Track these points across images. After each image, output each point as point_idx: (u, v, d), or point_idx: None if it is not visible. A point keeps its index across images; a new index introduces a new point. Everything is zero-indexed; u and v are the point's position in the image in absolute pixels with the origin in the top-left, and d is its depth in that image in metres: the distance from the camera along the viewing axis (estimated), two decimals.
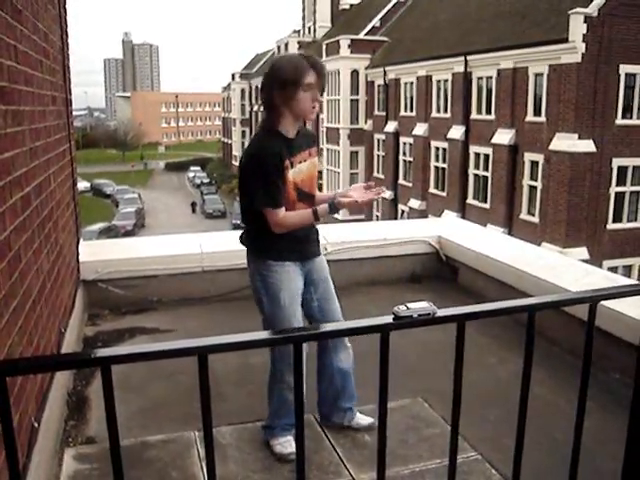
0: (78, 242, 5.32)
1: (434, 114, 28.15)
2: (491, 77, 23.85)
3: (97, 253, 5.69)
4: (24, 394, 2.66)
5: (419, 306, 1.64)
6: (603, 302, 2.12)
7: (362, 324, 1.62)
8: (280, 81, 3.00)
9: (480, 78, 24.76)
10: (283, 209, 3.04)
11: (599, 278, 4.81)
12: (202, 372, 1.49)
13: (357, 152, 35.54)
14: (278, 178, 3.00)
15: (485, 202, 24.73)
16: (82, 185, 53.57)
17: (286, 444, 3.25)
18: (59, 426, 3.48)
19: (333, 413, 3.50)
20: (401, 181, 31.72)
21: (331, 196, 3.21)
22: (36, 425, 2.86)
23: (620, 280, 5.22)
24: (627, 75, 19.85)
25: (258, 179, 3.01)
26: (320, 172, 39.14)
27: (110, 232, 38.25)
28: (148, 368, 3.94)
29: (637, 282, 2.31)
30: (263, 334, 1.52)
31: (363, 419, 3.49)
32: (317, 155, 3.31)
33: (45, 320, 3.35)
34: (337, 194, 3.19)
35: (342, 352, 3.39)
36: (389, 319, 1.64)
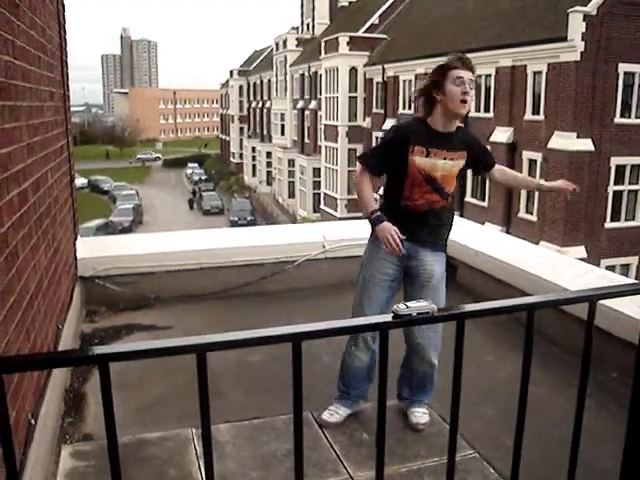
0: (76, 238, 5.31)
1: None
2: (490, 75, 23.83)
3: (95, 250, 5.68)
4: (21, 391, 2.65)
5: (418, 304, 1.64)
6: (602, 301, 2.12)
7: (362, 322, 1.62)
8: (432, 76, 3.28)
9: (479, 76, 24.69)
10: (367, 172, 3.38)
11: (597, 277, 4.81)
12: (200, 370, 1.48)
13: (355, 149, 35.47)
14: (387, 148, 3.35)
15: (483, 200, 24.73)
16: (79, 181, 53.51)
17: (333, 412, 3.52)
18: (56, 423, 3.47)
19: (400, 395, 3.63)
20: None
21: (536, 183, 3.98)
22: (33, 422, 2.85)
23: (618, 279, 5.23)
24: (626, 74, 19.85)
25: (378, 143, 3.47)
26: (318, 169, 39.15)
27: (108, 229, 38.14)
28: (145, 365, 3.93)
29: (636, 281, 2.31)
30: (261, 332, 1.51)
31: (416, 416, 3.54)
32: (467, 156, 3.39)
33: (42, 317, 3.34)
34: (545, 185, 3.70)
35: (430, 350, 3.44)
36: (388, 317, 1.63)
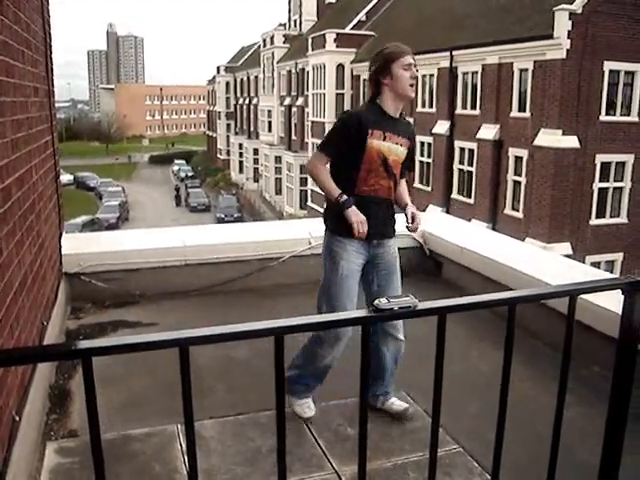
0: (61, 235, 5.28)
1: (419, 109, 28.16)
2: (476, 72, 23.88)
3: (80, 246, 5.65)
4: (5, 387, 2.65)
5: (400, 299, 1.65)
6: (584, 296, 2.14)
7: (343, 316, 1.63)
8: (380, 62, 3.34)
9: (465, 73, 24.81)
10: (325, 160, 3.36)
11: (581, 273, 4.85)
12: (183, 364, 1.49)
13: None
14: (343, 133, 3.30)
15: (470, 197, 24.81)
16: (65, 178, 53.17)
17: (305, 407, 3.50)
18: (41, 419, 3.46)
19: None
20: None
21: (405, 201, 3.57)
22: (17, 419, 2.84)
23: (602, 275, 5.28)
24: (611, 72, 19.96)
25: (332, 129, 3.39)
26: (305, 166, 39.06)
27: (94, 225, 37.97)
28: (131, 362, 3.93)
29: (616, 276, 2.34)
30: (244, 326, 1.51)
31: (397, 405, 3.57)
32: (410, 146, 3.47)
33: (27, 313, 3.33)
34: (408, 208, 3.50)
35: (390, 343, 3.48)
36: (370, 312, 1.64)
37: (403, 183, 3.62)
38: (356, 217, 3.22)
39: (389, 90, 3.32)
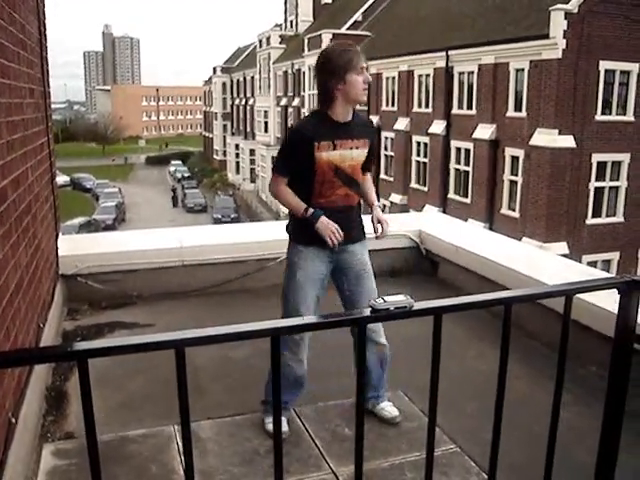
0: (57, 236, 5.27)
1: (416, 109, 28.21)
2: (472, 72, 23.93)
3: (76, 247, 5.65)
4: (1, 389, 2.64)
5: (396, 299, 1.65)
6: (580, 296, 2.15)
7: (340, 317, 1.63)
8: (331, 67, 3.18)
9: (461, 73, 24.84)
10: (284, 179, 3.31)
11: (578, 272, 4.86)
12: (179, 365, 1.49)
13: None
14: (292, 151, 3.27)
15: (466, 197, 24.84)
16: (62, 179, 53.11)
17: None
18: (37, 421, 3.45)
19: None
20: (382, 176, 31.76)
21: (370, 200, 3.50)
22: (14, 421, 2.84)
23: (599, 274, 5.28)
24: (607, 71, 20.02)
25: (280, 149, 3.34)
26: None
27: (90, 226, 37.89)
28: (128, 363, 3.93)
29: (612, 275, 2.34)
30: (240, 327, 1.51)
31: (387, 411, 3.52)
32: (370, 146, 3.39)
33: (23, 315, 3.32)
34: (374, 213, 3.42)
35: (372, 347, 3.36)
36: (366, 312, 1.65)
37: (368, 181, 3.55)
38: (325, 230, 3.18)
39: (341, 96, 3.20)
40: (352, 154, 3.29)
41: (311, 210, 3.23)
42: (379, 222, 3.39)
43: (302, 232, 3.30)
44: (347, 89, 3.17)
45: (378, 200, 3.59)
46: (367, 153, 3.38)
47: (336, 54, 3.20)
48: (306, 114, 3.57)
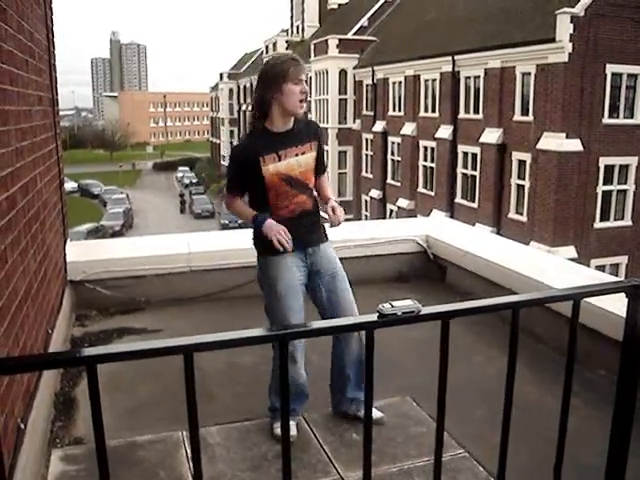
0: (65, 242, 5.30)
1: (422, 114, 28.21)
2: (479, 77, 23.92)
3: (84, 253, 5.66)
4: (10, 395, 2.65)
5: (403, 304, 1.65)
6: (588, 299, 2.14)
7: (347, 322, 1.63)
8: (267, 77, 3.19)
9: (468, 78, 24.84)
10: (236, 197, 3.37)
11: (586, 277, 4.84)
12: (188, 371, 1.49)
13: (345, 152, 35.57)
14: (239, 170, 3.29)
15: (473, 201, 24.81)
16: (69, 185, 53.34)
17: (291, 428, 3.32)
18: (46, 427, 3.46)
19: (342, 403, 3.57)
20: (389, 181, 31.78)
21: (326, 196, 3.49)
22: (22, 426, 2.85)
23: (607, 279, 5.26)
24: (613, 75, 19.97)
25: (228, 170, 3.43)
26: None
27: (98, 233, 38.04)
28: (136, 369, 3.93)
29: (620, 279, 2.34)
30: (248, 332, 1.52)
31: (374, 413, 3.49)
32: (317, 147, 3.38)
33: (32, 321, 3.34)
34: (329, 204, 3.38)
35: (354, 343, 3.41)
36: (374, 317, 1.65)
37: (323, 182, 3.53)
38: (271, 231, 3.16)
39: (277, 106, 3.19)
40: (299, 161, 3.27)
41: (259, 216, 3.23)
42: (333, 209, 3.32)
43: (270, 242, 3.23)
44: (283, 99, 3.16)
45: (341, 197, 3.59)
46: (315, 154, 3.36)
47: (272, 65, 3.21)
48: (246, 132, 3.54)
